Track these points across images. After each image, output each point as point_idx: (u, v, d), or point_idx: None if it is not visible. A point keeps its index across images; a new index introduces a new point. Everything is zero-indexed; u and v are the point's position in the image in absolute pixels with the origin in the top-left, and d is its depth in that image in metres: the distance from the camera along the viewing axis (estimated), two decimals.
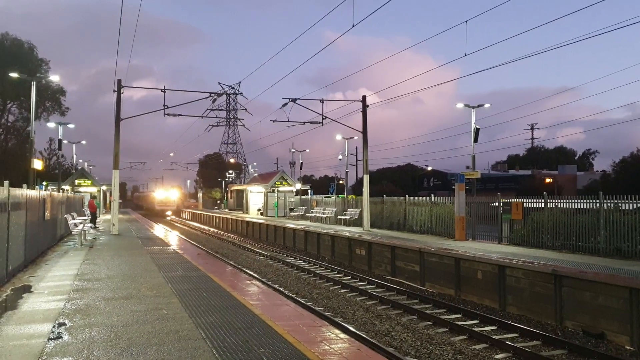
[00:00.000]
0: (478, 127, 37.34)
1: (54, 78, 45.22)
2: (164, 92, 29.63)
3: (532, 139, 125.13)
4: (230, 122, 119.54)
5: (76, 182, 53.93)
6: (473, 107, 38.18)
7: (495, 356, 9.70)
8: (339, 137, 56.60)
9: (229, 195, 74.32)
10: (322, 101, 32.33)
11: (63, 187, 49.88)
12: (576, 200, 18.38)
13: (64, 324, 8.66)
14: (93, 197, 37.90)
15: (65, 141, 55.72)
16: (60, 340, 7.69)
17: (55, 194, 25.76)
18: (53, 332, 8.12)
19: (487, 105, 39.02)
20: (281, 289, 15.41)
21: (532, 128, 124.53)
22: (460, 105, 39.25)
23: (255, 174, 78.28)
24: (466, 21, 18.79)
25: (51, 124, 55.22)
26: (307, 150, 72.93)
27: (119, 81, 28.56)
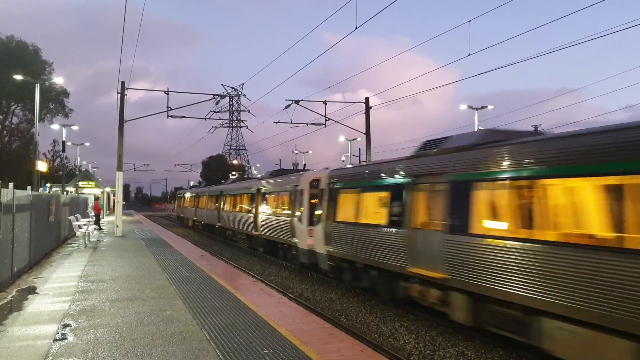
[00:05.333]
0: (482, 128, 37.30)
1: (58, 80, 45.38)
2: (168, 94, 29.72)
3: None
4: (234, 124, 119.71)
5: (80, 183, 54.10)
6: (476, 109, 38.17)
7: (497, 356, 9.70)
8: (342, 138, 56.68)
9: None
10: (325, 103, 32.42)
11: (67, 188, 50.07)
12: None
13: (69, 325, 8.72)
14: (97, 198, 38.02)
15: (68, 143, 55.96)
16: (66, 341, 7.75)
17: (60, 195, 25.86)
18: (58, 333, 8.19)
19: (490, 107, 39.00)
20: (284, 290, 15.43)
21: (536, 129, 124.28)
22: (463, 106, 39.24)
23: (258, 176, 78.34)
24: (469, 21, 18.83)
25: (55, 126, 55.52)
26: (310, 152, 72.93)
27: (123, 83, 28.66)
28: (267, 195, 23.80)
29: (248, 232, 26.43)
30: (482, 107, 38.51)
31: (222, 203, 33.43)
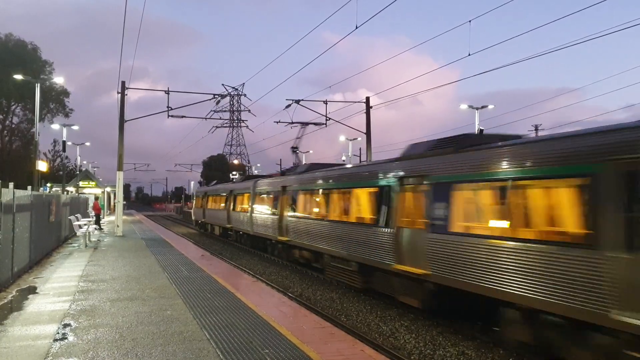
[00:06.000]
0: (482, 128, 37.29)
1: (58, 80, 45.42)
2: (168, 93, 29.74)
3: None
4: (234, 124, 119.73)
5: (80, 183, 54.14)
6: (477, 108, 38.19)
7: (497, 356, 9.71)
8: (342, 138, 56.71)
9: None
10: (325, 102, 32.45)
11: (67, 188, 50.11)
12: None
13: (69, 325, 8.72)
14: (96, 198, 38.06)
15: (69, 143, 55.98)
16: (66, 341, 7.75)
17: (60, 195, 25.89)
18: (58, 333, 8.19)
19: (491, 107, 39.02)
20: (285, 290, 15.43)
21: (537, 129, 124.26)
22: (464, 106, 39.25)
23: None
24: (470, 21, 18.82)
25: (55, 126, 55.57)
26: (311, 152, 72.90)
27: (123, 83, 28.68)
28: (451, 190, 10.61)
29: (374, 261, 13.41)
30: (482, 107, 38.53)
31: (288, 205, 20.43)
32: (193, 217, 45.91)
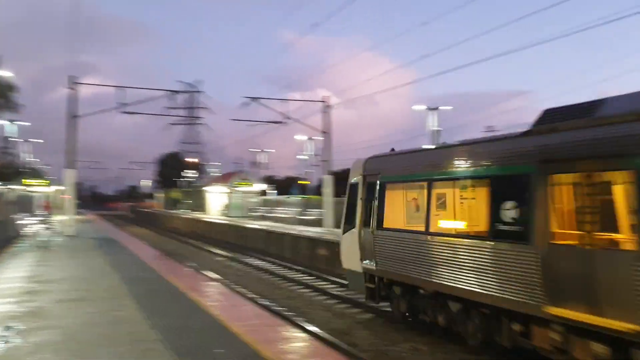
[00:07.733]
0: (440, 129, 37.99)
1: (5, 73, 43.36)
2: (120, 89, 28.99)
3: None
4: (190, 121, 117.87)
5: (29, 181, 52.17)
6: (432, 109, 38.85)
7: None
8: (301, 137, 56.66)
9: (189, 195, 73.28)
10: (283, 100, 32.32)
11: (13, 186, 48.23)
12: None
13: (13, 327, 8.42)
14: (47, 197, 36.79)
15: (20, 140, 53.99)
16: (9, 343, 7.49)
17: (4, 193, 24.93)
18: (2, 335, 7.90)
19: (448, 108, 39.76)
20: (241, 290, 15.31)
21: (489, 131, 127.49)
22: (419, 107, 39.83)
23: (217, 174, 77.42)
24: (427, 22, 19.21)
25: (5, 122, 53.43)
26: (273, 151, 72.62)
27: (71, 77, 27.83)
28: None
29: None
30: (435, 108, 39.08)
31: None
32: (361, 265, 11.59)
